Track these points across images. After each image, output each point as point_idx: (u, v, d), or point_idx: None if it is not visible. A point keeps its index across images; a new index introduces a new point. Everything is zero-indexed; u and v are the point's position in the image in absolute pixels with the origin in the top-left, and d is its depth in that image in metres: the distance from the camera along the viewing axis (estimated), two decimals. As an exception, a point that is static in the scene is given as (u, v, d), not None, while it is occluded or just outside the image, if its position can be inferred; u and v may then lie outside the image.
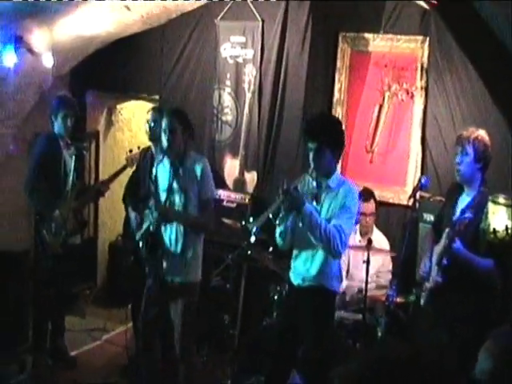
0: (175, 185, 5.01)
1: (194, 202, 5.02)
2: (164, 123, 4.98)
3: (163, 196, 5.05)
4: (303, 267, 4.64)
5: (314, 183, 4.60)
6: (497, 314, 4.45)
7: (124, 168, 6.35)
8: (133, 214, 6.06)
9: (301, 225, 4.45)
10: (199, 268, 5.15)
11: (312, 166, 4.47)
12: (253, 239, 4.50)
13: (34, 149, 6.16)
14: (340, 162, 6.36)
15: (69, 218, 5.95)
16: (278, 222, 4.54)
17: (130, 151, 6.33)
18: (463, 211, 4.45)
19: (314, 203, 4.55)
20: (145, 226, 5.21)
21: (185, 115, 5.11)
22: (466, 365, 2.50)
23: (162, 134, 4.98)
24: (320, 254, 4.53)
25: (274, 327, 5.33)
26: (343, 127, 4.79)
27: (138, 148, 6.35)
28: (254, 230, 4.43)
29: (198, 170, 4.99)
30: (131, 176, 6.39)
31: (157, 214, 4.98)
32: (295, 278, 4.70)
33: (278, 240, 4.68)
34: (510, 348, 2.39)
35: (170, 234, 5.05)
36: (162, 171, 5.12)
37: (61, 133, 6.02)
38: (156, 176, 5.14)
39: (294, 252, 4.75)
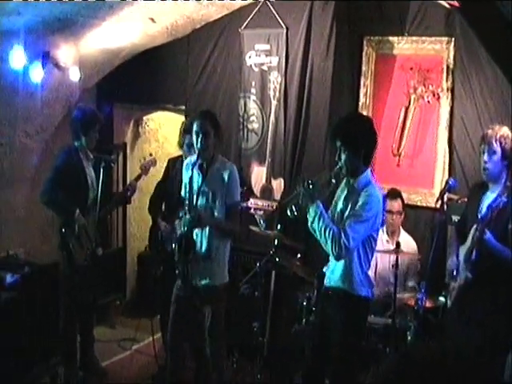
0: (203, 187, 5.04)
1: (221, 205, 5.04)
2: (196, 125, 5.01)
3: (192, 199, 5.07)
4: (330, 269, 4.64)
5: (334, 181, 4.64)
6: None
7: (139, 177, 6.49)
8: (162, 224, 6.09)
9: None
10: (225, 271, 5.18)
11: (339, 164, 4.47)
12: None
13: (54, 162, 6.15)
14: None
15: (94, 230, 5.98)
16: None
17: (151, 154, 6.38)
18: (490, 206, 4.40)
19: (342, 203, 4.53)
20: (179, 233, 5.23)
21: (216, 118, 5.17)
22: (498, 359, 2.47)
23: (194, 137, 5.01)
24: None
25: (306, 332, 5.30)
26: (372, 127, 4.69)
27: (150, 155, 6.42)
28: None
29: (226, 174, 5.03)
30: (157, 186, 6.42)
31: (190, 218, 4.98)
32: (326, 279, 4.70)
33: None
34: None
35: (196, 237, 5.07)
36: (192, 175, 5.14)
37: (83, 145, 6.02)
38: (190, 180, 5.14)
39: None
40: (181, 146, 6.09)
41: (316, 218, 4.33)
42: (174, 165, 6.17)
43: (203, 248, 5.06)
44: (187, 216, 5.02)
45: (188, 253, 5.03)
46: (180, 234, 5.11)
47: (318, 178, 4.51)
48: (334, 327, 4.52)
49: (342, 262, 4.48)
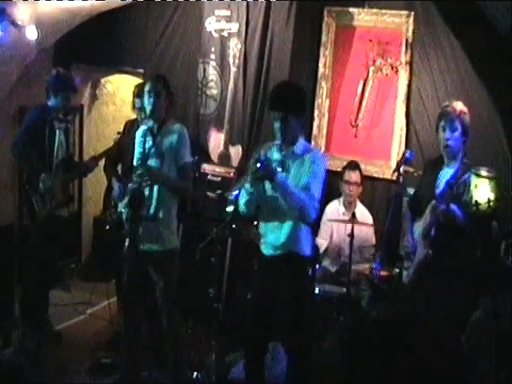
0: (153, 149, 5.06)
1: (170, 167, 5.06)
2: (148, 86, 5.07)
3: (143, 161, 5.07)
4: (272, 236, 4.62)
5: (279, 151, 4.58)
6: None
7: (111, 149, 6.40)
8: (116, 185, 6.06)
9: (270, 193, 4.48)
10: (175, 236, 5.21)
11: (279, 134, 4.49)
12: (230, 208, 4.63)
13: (26, 116, 6.18)
14: (324, 136, 6.46)
15: (57, 191, 5.96)
16: (243, 190, 4.54)
17: (118, 133, 6.37)
18: (448, 182, 4.48)
19: (280, 171, 4.50)
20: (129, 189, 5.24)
21: (167, 81, 5.20)
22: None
23: (146, 98, 5.05)
24: (288, 222, 4.53)
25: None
26: (305, 93, 4.81)
27: (118, 133, 6.39)
28: (233, 198, 4.57)
29: (175, 135, 5.06)
30: (112, 147, 6.39)
31: (141, 172, 4.99)
32: (266, 249, 4.68)
33: (243, 208, 4.64)
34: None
35: (145, 198, 5.05)
36: (142, 136, 5.16)
37: (55, 107, 6.02)
38: (141, 143, 5.15)
39: (261, 223, 4.73)
40: (133, 107, 6.17)
41: (286, 187, 4.34)
42: (131, 127, 6.15)
43: (151, 209, 5.04)
44: (138, 171, 5.03)
45: (138, 208, 4.96)
46: (130, 189, 5.07)
47: (264, 151, 4.55)
48: (284, 291, 4.55)
49: (288, 225, 4.53)
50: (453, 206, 4.48)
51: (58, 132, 6.03)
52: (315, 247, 5.89)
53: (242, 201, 4.62)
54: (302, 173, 4.48)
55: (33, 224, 6.03)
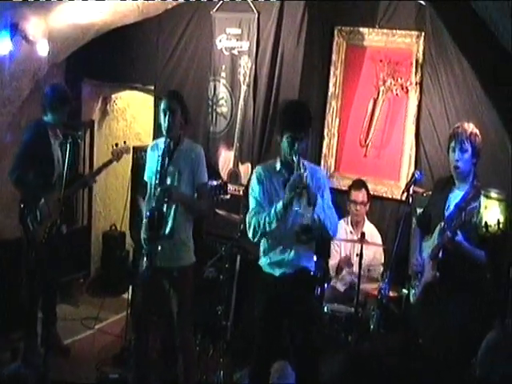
0: (170, 168, 5.05)
1: (187, 186, 5.07)
2: (163, 104, 5.07)
3: (160, 179, 5.06)
4: (282, 256, 4.67)
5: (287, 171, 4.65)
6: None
7: (110, 162, 6.34)
8: (141, 201, 6.05)
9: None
10: (191, 252, 5.22)
11: (294, 154, 4.49)
12: None
13: (23, 136, 6.14)
14: (334, 155, 6.47)
15: (56, 207, 5.92)
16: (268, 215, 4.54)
17: (124, 142, 6.36)
18: (458, 205, 4.47)
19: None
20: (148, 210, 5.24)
21: (182, 98, 5.20)
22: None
23: (162, 115, 5.06)
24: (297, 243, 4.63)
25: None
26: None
27: (124, 143, 6.39)
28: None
29: (193, 154, 5.08)
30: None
31: (161, 192, 4.98)
32: (275, 269, 4.70)
33: (258, 233, 4.63)
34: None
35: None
36: (159, 155, 5.12)
37: (51, 122, 6.01)
38: (157, 161, 5.13)
39: (270, 244, 4.73)
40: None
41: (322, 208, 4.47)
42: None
43: (168, 228, 5.04)
44: (158, 189, 5.01)
45: (158, 229, 5.01)
46: (151, 209, 5.05)
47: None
48: (295, 309, 4.62)
49: (296, 244, 4.62)
50: (460, 238, 4.47)
51: (56, 148, 6.02)
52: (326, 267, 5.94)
53: (270, 226, 4.55)
54: (316, 189, 4.54)
55: (29, 244, 6.04)
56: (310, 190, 4.36)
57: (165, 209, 5.01)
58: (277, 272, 4.70)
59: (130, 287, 6.22)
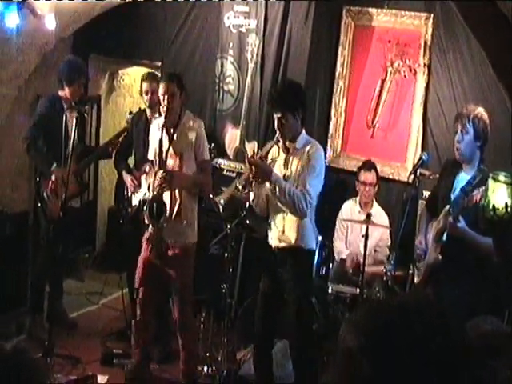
0: (171, 149, 5.09)
1: (188, 166, 5.11)
2: (162, 87, 5.06)
3: (161, 161, 5.12)
4: (277, 229, 4.81)
5: (281, 150, 4.80)
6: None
7: (125, 130, 6.37)
8: (128, 178, 6.08)
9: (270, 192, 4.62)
10: (195, 230, 5.27)
11: (278, 133, 4.65)
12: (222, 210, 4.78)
13: (37, 108, 6.21)
14: (341, 135, 6.47)
15: (69, 181, 5.95)
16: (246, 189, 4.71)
17: (130, 113, 6.38)
18: (463, 189, 4.47)
19: (283, 168, 4.74)
20: (144, 190, 5.32)
21: (181, 78, 5.20)
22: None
23: (161, 98, 5.07)
24: (290, 216, 4.71)
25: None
26: (302, 91, 4.92)
27: (130, 113, 6.40)
28: (222, 202, 4.71)
29: (193, 134, 5.10)
30: (122, 140, 6.38)
31: (161, 178, 5.01)
32: (272, 241, 4.88)
33: (253, 205, 4.91)
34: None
35: (165, 197, 5.13)
36: (160, 136, 5.16)
37: (68, 96, 6.06)
38: (158, 142, 5.17)
39: (270, 216, 4.91)
40: (140, 94, 6.19)
41: (278, 186, 4.50)
42: (139, 120, 6.16)
43: (174, 208, 5.10)
44: (158, 176, 5.05)
45: (159, 217, 5.09)
46: (152, 197, 5.13)
47: (265, 150, 4.72)
48: (288, 282, 4.74)
49: (293, 220, 4.70)
50: (462, 224, 4.46)
51: (70, 121, 6.03)
52: (331, 248, 5.98)
53: (250, 198, 4.85)
54: (301, 165, 4.65)
55: (44, 217, 6.07)
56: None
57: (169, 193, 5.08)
58: (273, 243, 4.87)
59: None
